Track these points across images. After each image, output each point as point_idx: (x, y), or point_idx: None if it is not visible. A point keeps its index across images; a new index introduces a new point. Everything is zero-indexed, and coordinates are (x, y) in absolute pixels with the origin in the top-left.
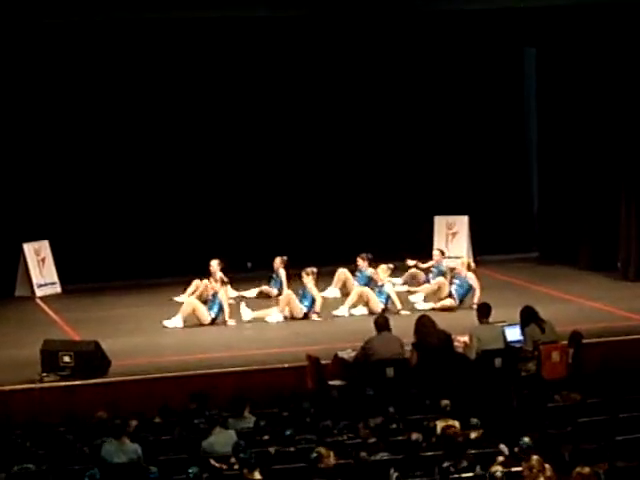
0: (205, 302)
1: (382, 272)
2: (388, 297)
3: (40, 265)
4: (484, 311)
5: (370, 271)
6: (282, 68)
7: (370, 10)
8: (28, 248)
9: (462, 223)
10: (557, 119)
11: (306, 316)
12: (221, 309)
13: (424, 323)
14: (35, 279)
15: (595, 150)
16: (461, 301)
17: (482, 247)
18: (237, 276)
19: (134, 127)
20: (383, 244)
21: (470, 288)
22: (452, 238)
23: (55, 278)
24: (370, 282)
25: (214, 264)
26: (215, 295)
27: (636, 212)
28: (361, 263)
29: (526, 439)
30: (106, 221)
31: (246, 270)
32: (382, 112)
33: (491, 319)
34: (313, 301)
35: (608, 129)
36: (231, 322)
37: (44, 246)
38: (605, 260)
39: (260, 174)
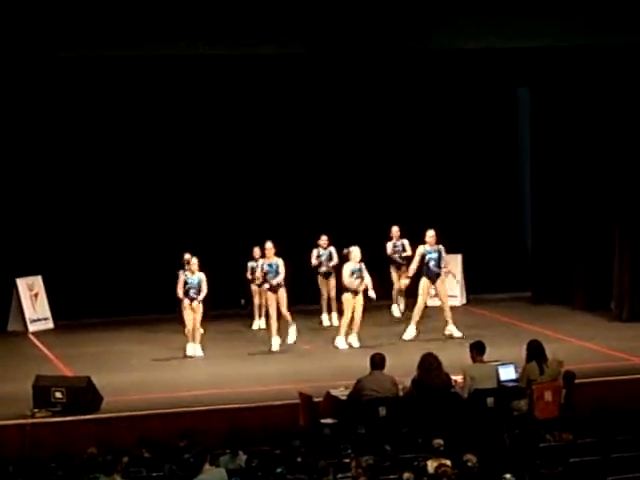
0: None
1: None
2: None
3: (33, 300)
4: (478, 350)
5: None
6: (280, 102)
7: (363, 48)
8: (21, 283)
9: (456, 262)
10: (551, 160)
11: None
12: None
13: (431, 362)
14: (28, 314)
15: (589, 191)
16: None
17: (476, 286)
18: (230, 313)
19: (128, 162)
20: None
21: None
22: (445, 277)
23: (48, 313)
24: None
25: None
26: None
27: (629, 253)
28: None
29: (507, 476)
30: (99, 257)
31: (240, 307)
32: (376, 150)
33: (484, 358)
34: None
35: (601, 171)
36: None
37: (37, 281)
38: (598, 301)
39: (255, 214)
